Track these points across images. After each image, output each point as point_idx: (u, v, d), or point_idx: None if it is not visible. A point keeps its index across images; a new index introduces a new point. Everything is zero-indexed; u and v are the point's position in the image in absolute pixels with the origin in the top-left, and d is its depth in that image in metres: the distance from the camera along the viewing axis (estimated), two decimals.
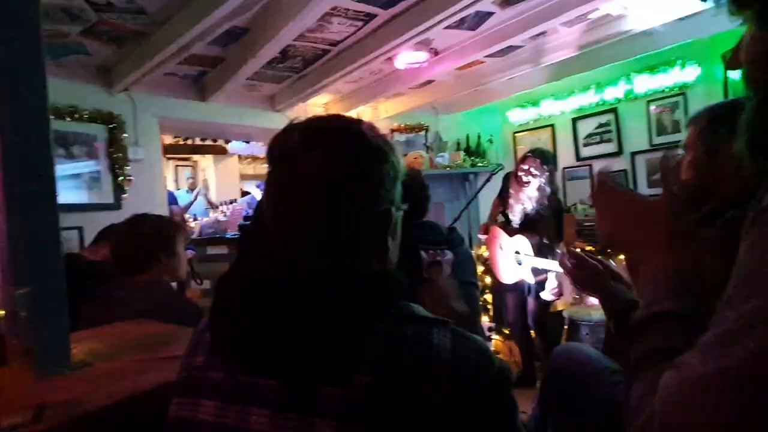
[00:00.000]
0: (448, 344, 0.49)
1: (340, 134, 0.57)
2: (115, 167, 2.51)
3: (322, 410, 0.46)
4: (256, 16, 2.01)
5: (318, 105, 3.62)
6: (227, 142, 5.25)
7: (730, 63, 0.47)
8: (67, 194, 2.31)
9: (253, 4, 1.87)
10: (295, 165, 0.54)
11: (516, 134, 4.01)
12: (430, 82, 3.25)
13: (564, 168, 3.52)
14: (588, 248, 2.14)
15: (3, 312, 0.74)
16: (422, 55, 2.65)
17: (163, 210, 2.81)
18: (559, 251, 2.02)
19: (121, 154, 2.52)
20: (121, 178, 2.53)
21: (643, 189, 3.13)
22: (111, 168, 2.50)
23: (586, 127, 3.49)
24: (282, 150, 0.56)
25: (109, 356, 1.01)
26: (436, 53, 2.69)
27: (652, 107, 3.11)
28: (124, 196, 2.56)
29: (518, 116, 3.91)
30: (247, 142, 4.97)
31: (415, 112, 3.83)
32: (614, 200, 0.57)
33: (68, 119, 2.37)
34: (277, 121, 3.36)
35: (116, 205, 2.51)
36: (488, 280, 2.66)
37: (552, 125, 3.73)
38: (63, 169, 2.36)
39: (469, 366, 0.49)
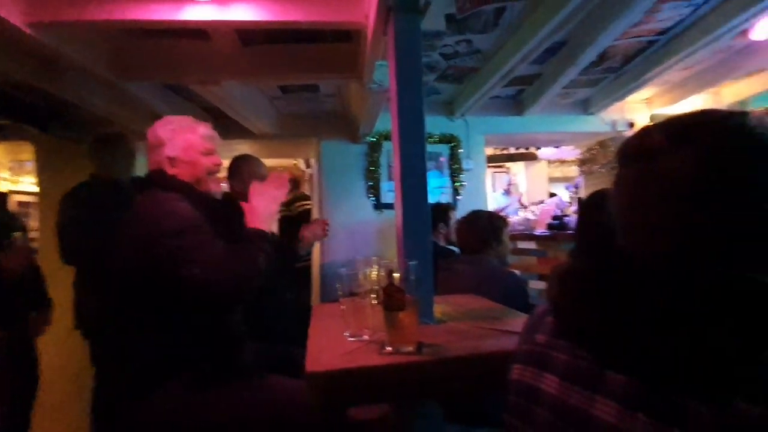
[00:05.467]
0: None
1: (715, 127, 0.46)
2: (453, 176, 2.92)
3: (684, 424, 0.39)
4: (575, 27, 1.90)
5: (637, 102, 3.08)
6: (537, 148, 5.20)
7: None
8: None
9: (573, 17, 1.76)
10: (658, 164, 0.46)
11: None
12: None
13: None
14: None
15: (398, 275, 0.98)
16: None
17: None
18: None
19: (457, 166, 2.91)
20: (457, 184, 2.93)
21: None
22: (450, 176, 2.92)
23: None
24: (640, 149, 0.49)
25: (456, 319, 1.16)
26: None
27: None
28: (459, 197, 2.95)
29: None
30: (557, 147, 4.76)
31: None
32: None
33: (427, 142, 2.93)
34: (590, 124, 3.08)
35: (453, 206, 2.90)
36: None
37: None
38: None
39: None
